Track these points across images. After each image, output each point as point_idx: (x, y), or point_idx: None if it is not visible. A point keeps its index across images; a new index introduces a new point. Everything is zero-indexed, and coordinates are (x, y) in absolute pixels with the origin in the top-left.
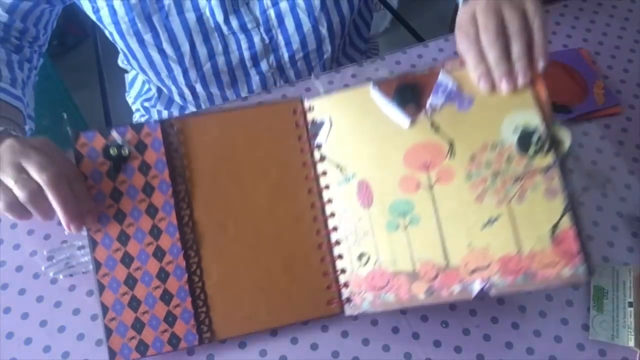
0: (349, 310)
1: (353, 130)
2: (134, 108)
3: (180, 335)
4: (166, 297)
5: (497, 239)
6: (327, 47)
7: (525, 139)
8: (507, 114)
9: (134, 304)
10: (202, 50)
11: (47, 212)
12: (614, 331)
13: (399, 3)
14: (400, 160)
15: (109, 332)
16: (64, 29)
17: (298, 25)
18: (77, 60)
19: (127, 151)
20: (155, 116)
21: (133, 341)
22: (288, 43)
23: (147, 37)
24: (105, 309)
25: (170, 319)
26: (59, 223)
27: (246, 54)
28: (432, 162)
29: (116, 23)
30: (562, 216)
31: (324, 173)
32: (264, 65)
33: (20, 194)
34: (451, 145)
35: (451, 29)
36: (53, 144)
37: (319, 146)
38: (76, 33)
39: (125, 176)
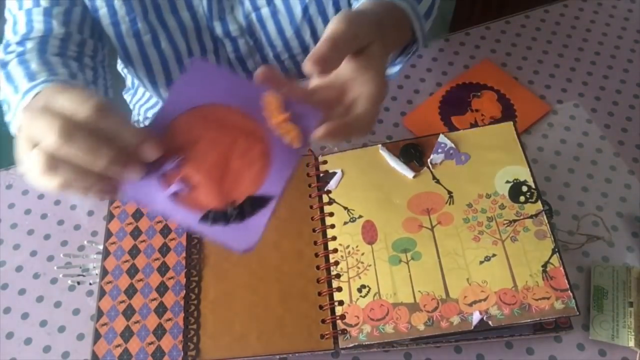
0: (343, 342)
1: (362, 179)
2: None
3: (165, 350)
4: (160, 310)
5: (493, 275)
6: None
7: (515, 190)
8: (500, 169)
9: (128, 312)
10: (195, 50)
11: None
12: (614, 331)
13: None
14: (405, 205)
15: (97, 336)
16: None
17: (280, 30)
18: None
19: None
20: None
21: (118, 349)
22: (271, 45)
23: (147, 39)
24: (100, 313)
25: (159, 331)
26: (59, 223)
27: (232, 56)
28: (433, 208)
29: (115, 24)
30: (551, 255)
31: (331, 214)
32: (250, 64)
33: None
34: (450, 194)
35: (451, 29)
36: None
37: (328, 191)
38: None
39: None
